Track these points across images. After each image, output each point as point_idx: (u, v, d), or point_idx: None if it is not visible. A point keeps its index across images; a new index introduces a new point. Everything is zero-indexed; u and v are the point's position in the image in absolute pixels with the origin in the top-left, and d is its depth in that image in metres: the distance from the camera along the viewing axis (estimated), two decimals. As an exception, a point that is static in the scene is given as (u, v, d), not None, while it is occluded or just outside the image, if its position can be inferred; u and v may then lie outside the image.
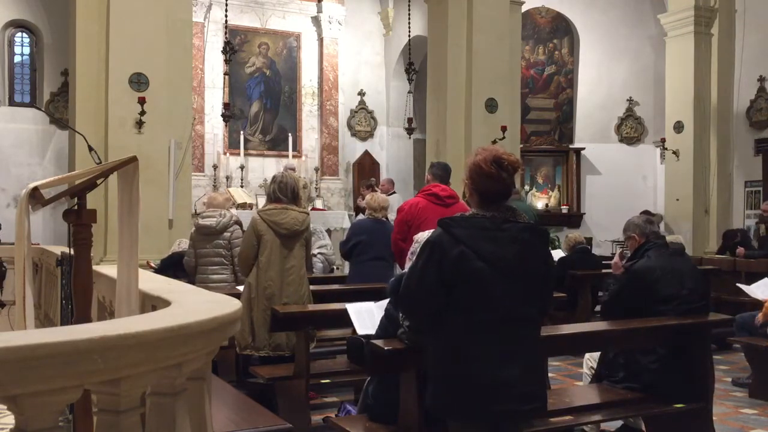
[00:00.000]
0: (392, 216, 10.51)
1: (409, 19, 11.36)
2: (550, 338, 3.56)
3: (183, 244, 6.46)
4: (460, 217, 2.68)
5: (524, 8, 12.22)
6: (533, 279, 2.66)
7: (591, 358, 4.35)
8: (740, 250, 9.40)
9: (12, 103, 12.23)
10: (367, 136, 15.29)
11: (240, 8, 13.47)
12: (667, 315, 3.96)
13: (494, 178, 2.65)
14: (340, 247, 6.65)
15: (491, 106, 10.20)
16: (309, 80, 14.49)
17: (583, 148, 14.42)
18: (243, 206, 11.86)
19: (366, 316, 3.78)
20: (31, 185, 2.24)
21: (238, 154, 13.46)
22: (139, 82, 7.92)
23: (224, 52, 9.41)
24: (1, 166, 11.81)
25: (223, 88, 12.69)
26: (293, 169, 11.40)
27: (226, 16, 10.06)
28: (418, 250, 2.91)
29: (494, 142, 9.96)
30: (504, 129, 10.11)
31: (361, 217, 6.46)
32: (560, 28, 14.59)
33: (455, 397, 2.59)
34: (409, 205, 5.25)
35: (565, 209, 14.31)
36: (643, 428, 4.15)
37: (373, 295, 4.49)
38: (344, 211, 13.08)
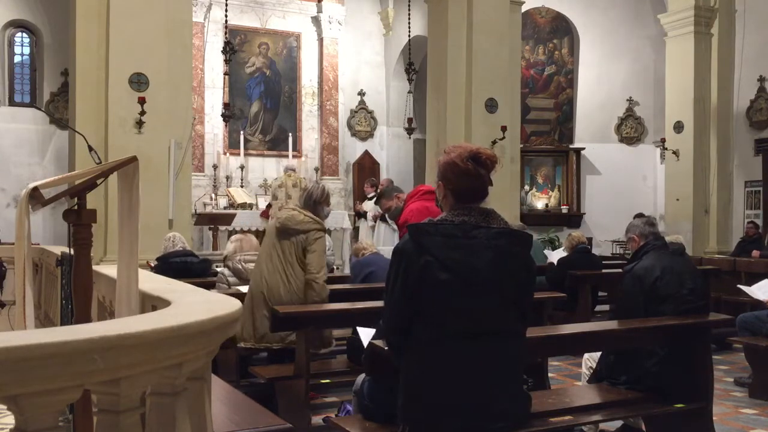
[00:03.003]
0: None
1: (409, 19, 11.36)
2: (550, 338, 3.57)
3: (178, 242, 5.95)
4: (428, 224, 2.50)
5: (524, 8, 12.23)
6: (510, 288, 2.48)
7: (590, 358, 4.34)
8: (756, 253, 9.49)
9: (12, 103, 12.24)
10: (367, 136, 15.30)
11: (240, 8, 13.48)
12: (667, 315, 3.96)
13: (471, 174, 2.47)
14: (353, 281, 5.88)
15: (491, 106, 10.20)
16: (309, 80, 14.50)
17: (583, 148, 14.43)
18: (243, 206, 11.87)
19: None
20: (31, 185, 2.24)
21: (238, 154, 13.47)
22: (139, 82, 7.92)
23: (224, 52, 9.41)
24: (1, 166, 11.83)
25: (223, 88, 12.70)
26: (293, 170, 11.40)
27: (226, 16, 10.06)
28: None
29: (494, 142, 9.97)
30: (504, 129, 10.12)
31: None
32: (560, 28, 14.60)
33: (418, 411, 2.48)
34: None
35: (565, 209, 14.32)
36: (643, 428, 4.15)
37: (376, 295, 4.50)
38: (344, 211, 13.07)
